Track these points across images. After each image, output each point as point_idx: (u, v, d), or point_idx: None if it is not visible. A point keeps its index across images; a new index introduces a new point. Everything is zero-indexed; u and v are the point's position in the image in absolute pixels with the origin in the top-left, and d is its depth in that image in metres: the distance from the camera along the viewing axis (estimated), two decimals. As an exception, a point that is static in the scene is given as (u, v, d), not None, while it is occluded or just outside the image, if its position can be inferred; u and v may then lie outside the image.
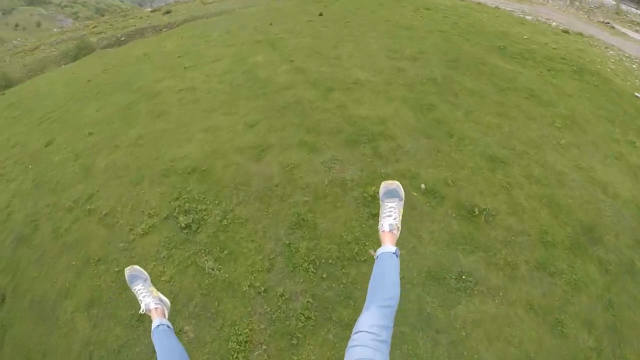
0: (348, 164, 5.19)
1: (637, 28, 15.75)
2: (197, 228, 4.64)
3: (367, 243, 4.28)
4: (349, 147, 5.47)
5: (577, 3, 19.11)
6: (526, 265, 4.21)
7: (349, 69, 7.77)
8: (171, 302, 2.42)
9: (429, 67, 7.92)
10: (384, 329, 1.28)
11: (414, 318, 3.69)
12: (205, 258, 4.33)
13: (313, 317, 3.74)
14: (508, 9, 15.04)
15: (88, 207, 5.43)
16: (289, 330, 3.68)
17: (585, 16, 16.58)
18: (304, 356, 3.53)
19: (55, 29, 30.32)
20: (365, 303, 1.42)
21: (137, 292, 2.08)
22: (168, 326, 1.89)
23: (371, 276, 1.52)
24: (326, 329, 3.67)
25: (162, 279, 4.19)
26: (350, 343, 1.26)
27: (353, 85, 7.09)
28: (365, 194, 4.77)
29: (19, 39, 28.93)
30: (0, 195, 6.46)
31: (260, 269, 4.16)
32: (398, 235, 1.67)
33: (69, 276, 4.60)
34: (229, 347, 3.62)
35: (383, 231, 1.65)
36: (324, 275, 4.03)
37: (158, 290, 2.19)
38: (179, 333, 3.70)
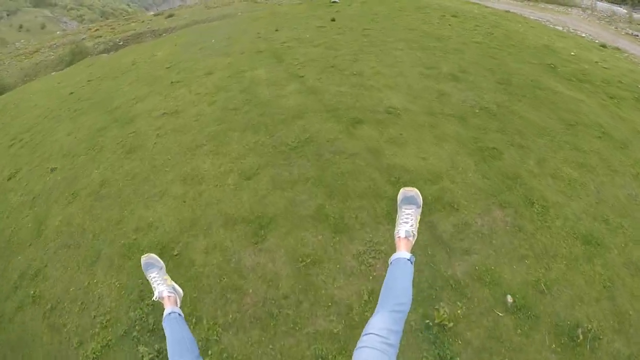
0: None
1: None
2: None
3: None
4: (393, 225, 3.40)
5: (596, 13, 17.02)
6: None
7: (377, 91, 5.70)
8: None
9: (477, 90, 5.85)
10: (393, 333, 1.21)
11: None
12: None
13: None
14: (534, 18, 12.90)
15: (33, 290, 3.64)
16: None
17: (612, 27, 14.46)
18: None
19: (58, 32, 27.95)
20: (377, 307, 1.33)
21: (151, 280, 1.94)
22: (179, 314, 1.76)
23: (384, 281, 1.42)
24: None
25: None
26: (358, 344, 1.19)
27: (386, 115, 5.02)
28: (427, 321, 2.73)
29: (22, 40, 26.81)
30: None
31: None
32: (413, 243, 1.58)
33: None
34: None
35: (399, 237, 1.56)
36: None
37: None
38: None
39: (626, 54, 10.60)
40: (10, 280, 3.91)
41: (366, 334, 1.22)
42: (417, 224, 1.62)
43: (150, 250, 3.47)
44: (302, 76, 6.45)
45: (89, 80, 9.72)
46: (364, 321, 3.11)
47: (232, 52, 8.54)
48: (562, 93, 6.27)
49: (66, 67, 14.41)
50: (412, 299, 1.41)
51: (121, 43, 16.16)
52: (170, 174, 4.40)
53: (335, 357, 2.56)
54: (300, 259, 3.12)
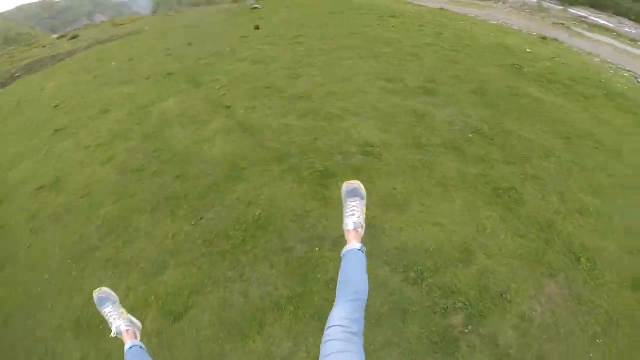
0: None
1: (585, 26, 14.30)
2: None
3: None
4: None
5: (508, 3, 17.56)
6: None
7: (338, 119, 4.28)
8: None
9: (456, 105, 4.75)
10: (354, 321, 1.16)
11: None
12: None
13: None
14: (463, 13, 12.55)
15: None
16: None
17: (537, 18, 14.80)
18: None
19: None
20: (335, 300, 1.26)
21: (107, 315, 1.81)
22: (141, 347, 1.66)
23: (339, 275, 1.33)
24: None
25: None
26: (323, 339, 1.13)
27: (362, 157, 3.60)
28: None
29: None
30: None
31: None
32: (362, 233, 1.50)
33: None
34: None
35: (348, 230, 1.49)
36: None
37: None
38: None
39: (566, 44, 10.49)
40: None
41: (329, 327, 1.16)
42: (364, 215, 1.53)
43: None
44: (229, 106, 4.82)
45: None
46: None
47: (134, 77, 6.61)
48: (543, 100, 5.47)
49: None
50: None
51: (17, 74, 13.07)
52: (54, 319, 2.52)
53: None
54: None
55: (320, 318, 2.25)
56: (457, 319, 2.33)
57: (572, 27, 13.66)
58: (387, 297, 2.43)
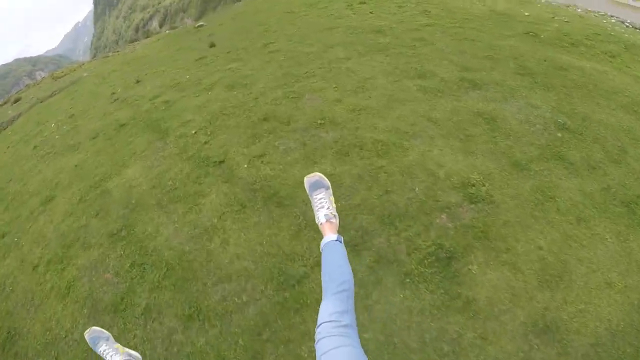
0: None
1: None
2: None
3: None
4: None
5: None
6: None
7: (399, 149, 3.09)
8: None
9: (517, 96, 3.75)
10: (344, 314, 1.12)
11: None
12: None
13: None
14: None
15: None
16: None
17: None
18: None
19: None
20: (322, 296, 1.22)
21: (103, 354, 1.75)
22: None
23: (321, 270, 1.31)
24: None
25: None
26: (316, 338, 1.09)
27: (475, 209, 2.45)
28: None
29: None
30: None
31: None
32: (337, 223, 1.47)
33: None
34: None
35: (321, 224, 1.46)
36: None
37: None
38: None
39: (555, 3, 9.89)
40: None
41: (319, 325, 1.12)
42: (333, 205, 1.51)
43: None
44: (222, 161, 3.48)
45: None
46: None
47: (79, 139, 5.09)
48: (585, 68, 4.65)
49: None
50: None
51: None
52: None
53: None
54: None
55: None
56: None
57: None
58: None
